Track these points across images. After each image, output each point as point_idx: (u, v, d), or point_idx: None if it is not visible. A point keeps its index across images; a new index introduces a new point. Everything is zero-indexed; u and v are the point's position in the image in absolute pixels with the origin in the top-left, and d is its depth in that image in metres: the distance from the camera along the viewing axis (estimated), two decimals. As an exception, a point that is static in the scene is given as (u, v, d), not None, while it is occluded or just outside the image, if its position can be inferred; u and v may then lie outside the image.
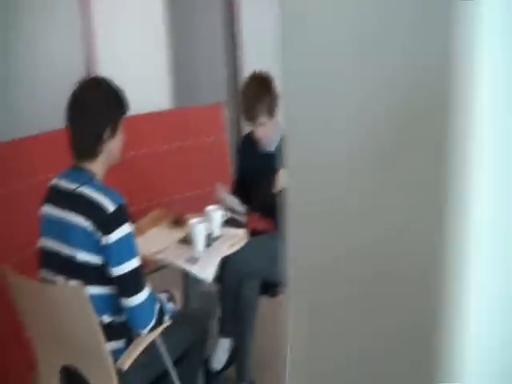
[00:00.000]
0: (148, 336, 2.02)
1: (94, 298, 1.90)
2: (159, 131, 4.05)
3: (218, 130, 4.26)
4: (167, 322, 2.05)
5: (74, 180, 1.97)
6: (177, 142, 4.18)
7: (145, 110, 3.96)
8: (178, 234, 2.67)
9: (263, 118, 2.79)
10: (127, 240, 1.89)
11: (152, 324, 1.95)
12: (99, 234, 1.86)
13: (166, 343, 2.16)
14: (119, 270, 1.89)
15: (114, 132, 2.01)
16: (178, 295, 2.21)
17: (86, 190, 1.92)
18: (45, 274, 2.04)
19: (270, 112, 2.79)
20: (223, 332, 2.94)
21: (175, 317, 2.20)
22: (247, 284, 2.69)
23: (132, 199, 3.75)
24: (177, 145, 4.15)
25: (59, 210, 1.97)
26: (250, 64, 6.09)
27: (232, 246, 2.52)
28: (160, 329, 2.04)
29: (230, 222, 2.73)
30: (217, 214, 2.61)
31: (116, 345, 2.01)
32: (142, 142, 3.99)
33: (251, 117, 2.80)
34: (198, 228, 2.47)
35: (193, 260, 2.43)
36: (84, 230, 1.88)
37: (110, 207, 1.87)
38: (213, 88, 5.63)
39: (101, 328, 1.85)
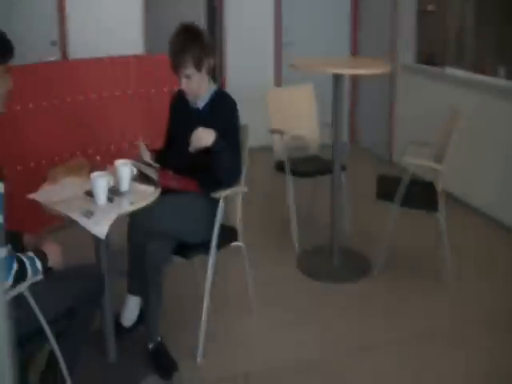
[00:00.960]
0: (15, 289, 1.98)
1: None
2: (120, 76, 3.97)
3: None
4: (31, 279, 2.01)
5: None
6: (133, 89, 4.07)
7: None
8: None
9: (189, 70, 2.68)
10: None
11: (4, 287, 1.88)
12: None
13: (41, 298, 2.11)
14: None
15: None
16: (53, 249, 2.16)
17: None
18: None
19: (197, 65, 2.69)
20: (130, 289, 2.91)
21: (59, 273, 2.20)
22: (153, 242, 2.63)
23: (71, 144, 3.75)
24: (132, 91, 4.05)
25: None
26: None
27: (134, 202, 2.44)
28: (26, 283, 2.01)
29: (143, 179, 2.65)
30: (124, 169, 2.52)
31: None
32: (93, 86, 3.91)
33: (176, 66, 2.70)
34: (98, 181, 2.40)
35: (88, 214, 2.36)
36: None
37: None
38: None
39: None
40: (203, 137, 2.62)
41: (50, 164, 3.55)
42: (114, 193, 2.51)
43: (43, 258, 2.11)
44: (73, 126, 3.79)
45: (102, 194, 2.41)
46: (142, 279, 2.70)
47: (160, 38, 5.61)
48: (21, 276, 1.96)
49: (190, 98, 2.81)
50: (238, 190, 2.89)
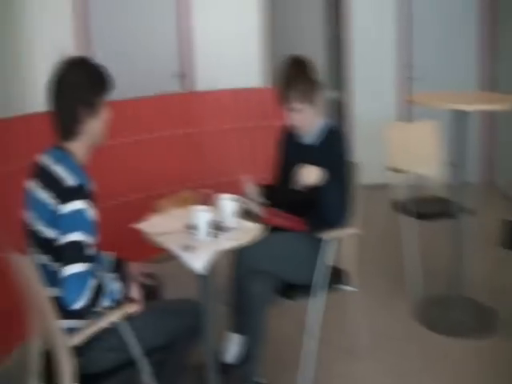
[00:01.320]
0: (107, 316, 1.99)
1: (53, 273, 1.94)
2: (229, 109, 3.96)
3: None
4: (107, 303, 1.97)
5: (51, 157, 2.01)
6: (254, 122, 4.05)
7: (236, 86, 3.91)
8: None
9: (296, 103, 2.57)
10: (78, 214, 1.89)
11: (82, 302, 1.86)
12: (56, 205, 1.89)
13: (137, 330, 2.10)
14: (63, 239, 1.88)
15: (92, 113, 2.01)
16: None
17: (57, 168, 1.96)
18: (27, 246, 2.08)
19: (305, 98, 2.57)
20: (232, 327, 2.81)
21: (158, 305, 2.23)
22: (255, 281, 2.53)
23: (182, 177, 3.76)
24: (245, 125, 4.03)
25: (35, 185, 2.01)
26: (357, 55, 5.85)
27: (236, 239, 2.34)
28: (119, 312, 2.00)
29: (248, 215, 2.56)
30: (228, 204, 2.44)
31: (75, 324, 2.01)
32: (207, 118, 3.93)
33: (283, 100, 2.61)
34: (200, 215, 2.33)
35: (189, 247, 2.30)
36: (48, 208, 1.93)
37: (70, 182, 1.92)
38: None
39: (52, 303, 1.88)
40: (310, 174, 2.49)
41: (161, 194, 3.58)
42: (217, 228, 2.43)
43: (125, 283, 2.07)
44: (187, 157, 3.83)
45: (203, 229, 2.35)
46: (244, 318, 2.61)
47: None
48: (97, 294, 1.91)
49: (297, 131, 2.69)
50: (348, 232, 2.72)
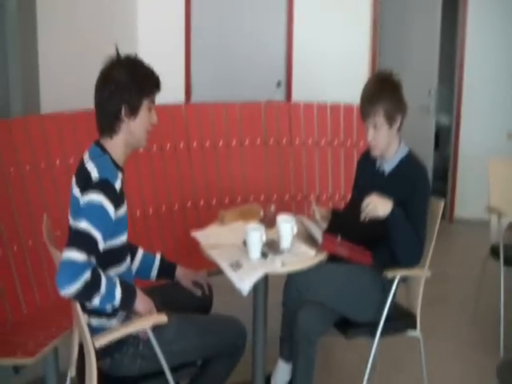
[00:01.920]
0: (134, 323, 1.93)
1: None
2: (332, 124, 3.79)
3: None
4: (107, 307, 1.88)
5: (89, 155, 2.01)
6: (340, 138, 3.84)
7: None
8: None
9: (378, 119, 2.37)
10: (92, 205, 1.85)
11: (71, 290, 1.75)
12: (80, 195, 1.90)
13: (171, 342, 2.04)
14: (77, 223, 1.84)
15: (134, 113, 1.99)
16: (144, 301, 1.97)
17: (91, 164, 1.95)
18: None
19: (388, 117, 2.37)
20: (281, 353, 2.65)
21: (202, 319, 2.17)
22: (305, 311, 2.35)
23: (252, 187, 3.61)
24: (338, 141, 3.82)
25: (73, 182, 2.01)
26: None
27: (286, 264, 2.17)
28: (155, 320, 1.92)
29: (309, 239, 2.37)
30: (285, 226, 2.27)
31: (104, 323, 1.99)
32: (295, 130, 3.75)
33: (365, 114, 2.41)
34: (251, 234, 2.19)
35: (236, 266, 2.16)
36: (76, 199, 1.93)
37: (95, 175, 1.90)
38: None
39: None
40: (378, 205, 2.26)
41: (231, 204, 3.49)
42: (271, 248, 2.28)
43: (130, 294, 1.93)
44: (265, 169, 3.68)
45: (253, 248, 2.20)
46: (293, 347, 2.43)
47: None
48: (90, 289, 1.79)
49: (375, 153, 2.47)
50: (418, 273, 2.45)
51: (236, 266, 2.17)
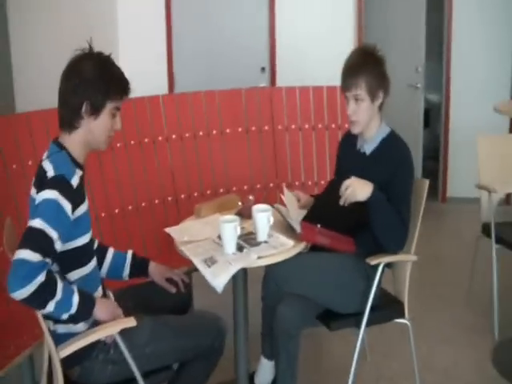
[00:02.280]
0: (101, 329, 1.83)
1: None
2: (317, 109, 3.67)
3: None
4: (58, 308, 1.72)
5: (47, 153, 1.92)
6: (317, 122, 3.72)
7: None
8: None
9: (360, 91, 2.27)
10: (46, 203, 1.75)
11: (22, 292, 1.64)
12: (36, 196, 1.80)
13: (143, 346, 1.95)
14: (31, 222, 1.74)
15: (95, 113, 1.88)
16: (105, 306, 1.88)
17: (46, 163, 1.86)
18: None
19: (370, 91, 2.27)
20: (263, 351, 2.56)
21: (177, 320, 2.07)
22: (285, 304, 2.26)
23: (238, 177, 3.51)
24: (316, 125, 3.70)
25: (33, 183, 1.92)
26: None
27: (262, 257, 2.07)
28: (122, 324, 1.82)
29: (288, 229, 2.28)
30: (261, 216, 2.17)
31: (73, 328, 1.88)
32: (278, 116, 3.64)
33: (346, 86, 2.30)
34: (224, 227, 2.09)
35: (210, 261, 2.07)
36: (34, 202, 1.82)
37: (50, 174, 1.80)
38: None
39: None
40: (357, 189, 2.16)
41: (206, 196, 3.38)
42: (247, 241, 2.19)
43: (88, 301, 1.82)
44: (244, 158, 3.57)
45: (228, 242, 2.11)
46: (273, 343, 2.34)
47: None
48: (44, 292, 1.68)
49: (355, 131, 2.36)
50: (404, 259, 2.36)
51: (210, 261, 2.08)
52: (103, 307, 1.85)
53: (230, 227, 2.09)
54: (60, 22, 3.83)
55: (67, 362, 1.86)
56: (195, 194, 3.35)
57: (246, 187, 3.52)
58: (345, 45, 5.04)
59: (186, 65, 4.98)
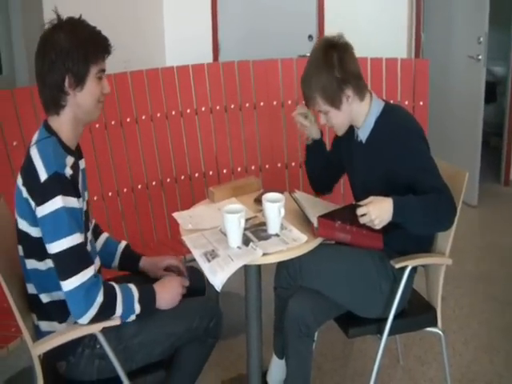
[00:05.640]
0: (87, 327, 1.69)
1: (32, 273, 1.73)
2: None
3: (419, 90, 3.25)
4: (116, 320, 1.71)
5: (37, 136, 1.75)
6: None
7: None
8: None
9: (318, 106, 2.01)
10: (59, 215, 1.60)
11: (87, 318, 1.64)
12: (33, 203, 1.64)
13: (129, 338, 1.80)
14: (50, 249, 1.62)
15: (80, 83, 1.69)
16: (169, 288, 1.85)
17: (34, 150, 1.68)
18: None
19: (332, 101, 1.98)
20: (274, 348, 2.34)
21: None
22: (296, 301, 2.02)
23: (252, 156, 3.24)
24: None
25: (20, 174, 1.74)
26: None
27: (267, 253, 1.83)
28: (105, 323, 1.70)
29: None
30: (271, 206, 1.92)
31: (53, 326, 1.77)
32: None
33: (305, 98, 2.05)
34: (228, 218, 1.85)
35: (211, 255, 1.85)
36: (21, 196, 1.68)
37: (43, 175, 1.61)
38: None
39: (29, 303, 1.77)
40: (380, 215, 1.82)
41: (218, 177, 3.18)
42: (256, 233, 1.95)
43: (149, 297, 1.79)
44: (267, 133, 3.28)
45: (232, 234, 1.88)
46: (283, 341, 2.11)
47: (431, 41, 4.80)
48: (106, 311, 1.67)
49: (339, 134, 2.12)
50: (436, 261, 2.07)
51: (211, 255, 1.86)
52: (165, 297, 1.83)
53: (232, 219, 1.85)
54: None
55: (52, 357, 1.77)
56: (210, 173, 3.17)
57: (279, 165, 3.28)
58: (399, 13, 4.68)
59: (231, 32, 4.73)
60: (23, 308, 1.74)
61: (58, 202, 1.59)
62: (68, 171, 1.66)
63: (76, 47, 1.65)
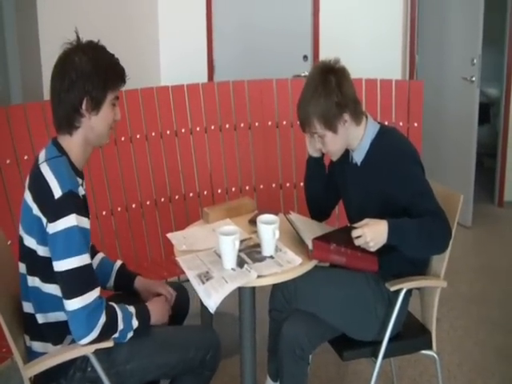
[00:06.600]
0: (79, 349, 1.67)
1: (33, 291, 1.72)
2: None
3: (414, 111, 3.26)
4: (114, 339, 1.71)
5: (46, 153, 1.74)
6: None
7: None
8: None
9: (315, 130, 2.01)
10: (72, 233, 1.61)
11: (89, 339, 1.64)
12: (45, 220, 1.63)
13: (121, 363, 1.77)
14: (58, 266, 1.62)
15: (96, 108, 1.71)
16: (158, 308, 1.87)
17: (45, 168, 1.68)
18: None
19: (329, 125, 1.98)
20: (268, 371, 2.31)
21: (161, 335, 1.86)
22: (290, 323, 2.01)
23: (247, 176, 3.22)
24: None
25: (27, 184, 1.75)
26: None
27: (262, 276, 1.82)
28: (98, 345, 1.67)
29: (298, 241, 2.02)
30: (265, 229, 1.92)
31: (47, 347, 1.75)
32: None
33: (301, 123, 2.05)
34: (223, 240, 1.85)
35: (206, 277, 1.84)
36: (31, 213, 1.67)
37: (57, 192, 1.61)
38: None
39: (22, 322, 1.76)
40: (375, 238, 1.83)
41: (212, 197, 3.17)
42: (251, 255, 1.94)
43: (144, 315, 1.80)
44: (247, 155, 3.26)
45: (226, 256, 1.88)
46: (278, 364, 2.09)
47: (425, 62, 4.83)
48: (108, 331, 1.67)
49: (334, 159, 2.12)
50: (432, 284, 2.07)
51: (205, 276, 1.85)
52: (156, 314, 1.84)
53: (227, 241, 1.84)
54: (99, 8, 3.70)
55: (43, 379, 1.74)
56: (205, 193, 3.16)
57: (274, 185, 3.28)
58: (393, 34, 4.72)
59: (226, 52, 4.75)
60: (16, 328, 1.72)
61: (71, 221, 1.59)
62: (81, 191, 1.69)
63: (97, 72, 1.68)
